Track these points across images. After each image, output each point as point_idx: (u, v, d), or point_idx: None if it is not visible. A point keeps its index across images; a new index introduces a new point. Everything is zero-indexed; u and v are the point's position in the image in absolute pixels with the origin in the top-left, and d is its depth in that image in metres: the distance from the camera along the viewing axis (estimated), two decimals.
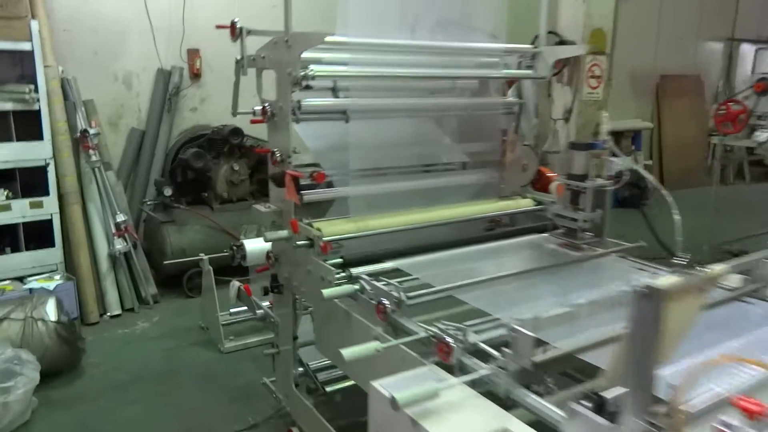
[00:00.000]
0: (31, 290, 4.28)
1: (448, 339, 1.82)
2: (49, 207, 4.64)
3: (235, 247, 4.34)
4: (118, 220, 4.95)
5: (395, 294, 2.16)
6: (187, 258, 5.29)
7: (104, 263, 4.91)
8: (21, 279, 4.52)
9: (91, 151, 4.82)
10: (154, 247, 5.33)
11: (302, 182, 2.73)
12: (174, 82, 5.80)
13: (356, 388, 2.47)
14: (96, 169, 4.87)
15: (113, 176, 5.11)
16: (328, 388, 3.10)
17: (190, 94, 6.04)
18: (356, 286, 2.37)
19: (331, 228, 2.78)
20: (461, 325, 1.88)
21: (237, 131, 5.51)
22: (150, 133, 5.67)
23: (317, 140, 2.98)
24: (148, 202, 5.38)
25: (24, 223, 4.60)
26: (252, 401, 3.66)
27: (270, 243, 2.90)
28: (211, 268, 4.39)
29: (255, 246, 4.47)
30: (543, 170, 3.18)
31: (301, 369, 3.06)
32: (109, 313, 4.91)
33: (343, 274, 2.49)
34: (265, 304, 3.35)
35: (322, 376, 3.16)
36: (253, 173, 5.82)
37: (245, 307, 3.88)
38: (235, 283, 3.73)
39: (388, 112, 3.14)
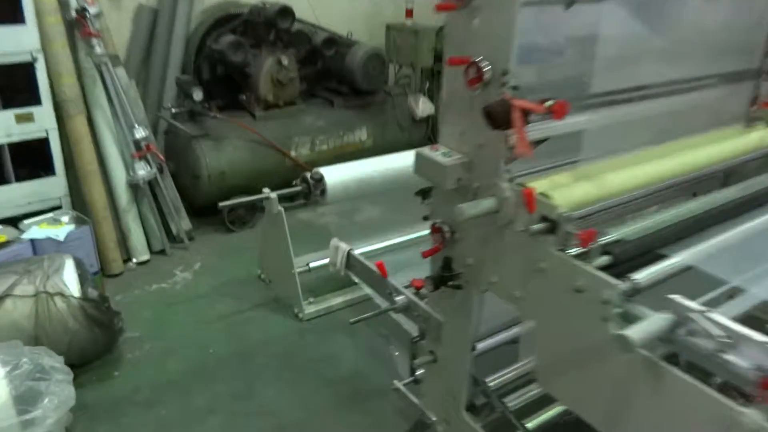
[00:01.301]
0: (33, 243, 3.07)
1: None
2: (42, 120, 3.31)
3: (311, 180, 3.19)
4: (137, 136, 3.65)
5: None
6: (228, 182, 4.08)
7: (123, 195, 3.68)
8: (14, 222, 3.29)
9: (93, 40, 3.41)
10: (182, 170, 4.08)
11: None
12: None
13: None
14: (103, 66, 3.49)
15: (125, 75, 3.74)
16: (530, 424, 2.09)
17: None
18: (672, 321, 1.31)
19: (565, 194, 1.65)
20: None
21: (287, 11, 4.08)
22: (165, 12, 4.18)
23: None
24: (172, 110, 4.03)
25: (11, 144, 3.29)
26: (370, 406, 2.67)
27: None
28: (282, 209, 3.21)
29: (337, 176, 3.30)
30: None
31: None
32: (135, 260, 3.76)
33: (623, 287, 1.41)
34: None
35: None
36: (302, 68, 4.46)
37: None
38: (341, 246, 2.58)
39: None
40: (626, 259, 1.62)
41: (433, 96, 5.25)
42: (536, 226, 1.57)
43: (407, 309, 2.26)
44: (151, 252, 3.86)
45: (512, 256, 1.74)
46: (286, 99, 4.37)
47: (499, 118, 1.57)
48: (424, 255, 1.96)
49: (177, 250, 3.95)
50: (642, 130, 2.06)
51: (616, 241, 1.69)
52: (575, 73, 1.84)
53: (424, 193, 2.31)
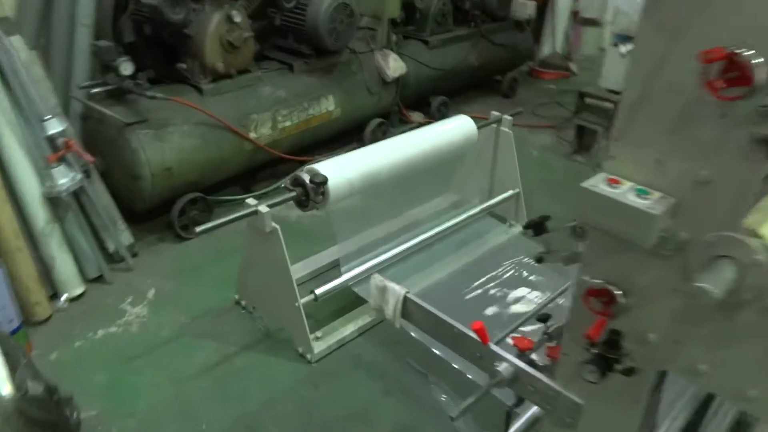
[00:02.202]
0: None
1: None
2: None
3: (310, 184, 2.45)
4: (51, 131, 2.67)
5: None
6: (177, 179, 3.19)
7: (40, 215, 2.70)
8: None
9: None
10: (114, 168, 3.12)
11: None
12: None
13: None
14: None
15: (23, 46, 2.69)
16: None
17: None
18: None
19: None
20: None
21: None
22: None
23: None
24: (92, 89, 3.02)
25: None
26: None
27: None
28: (277, 227, 2.42)
29: (338, 173, 2.55)
30: None
31: None
32: (65, 296, 2.84)
33: None
34: None
35: None
36: (252, 23, 3.53)
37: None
38: (392, 288, 1.89)
39: None
40: None
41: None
42: None
43: (514, 381, 1.64)
44: (86, 281, 2.95)
45: (749, 342, 1.16)
46: (239, 66, 3.45)
47: None
48: (591, 335, 1.32)
49: (119, 274, 3.05)
50: None
51: None
52: None
53: (537, 227, 1.67)
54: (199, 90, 3.32)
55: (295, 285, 2.46)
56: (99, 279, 2.99)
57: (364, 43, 4.22)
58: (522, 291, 2.86)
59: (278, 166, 3.94)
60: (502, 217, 3.51)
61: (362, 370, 2.54)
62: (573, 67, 6.52)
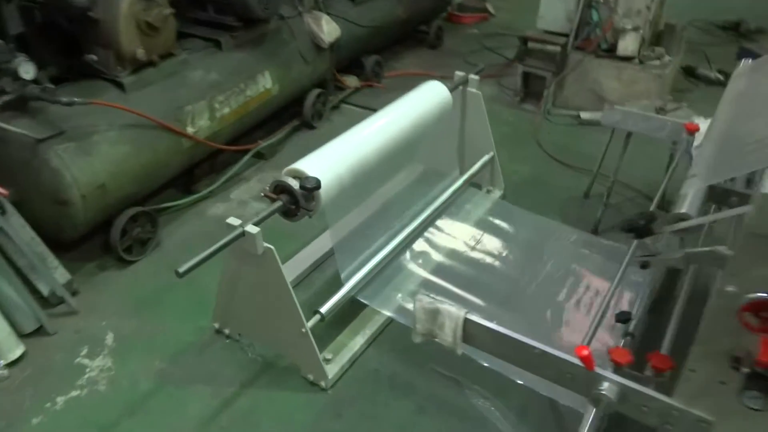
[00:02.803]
0: None
1: None
2: None
3: (300, 190, 2.09)
4: None
5: None
6: (112, 196, 2.68)
7: None
8: None
9: None
10: (31, 196, 2.53)
11: None
12: None
13: None
14: None
15: None
16: None
17: None
18: None
19: None
20: None
21: None
22: None
23: None
24: None
25: None
26: None
27: None
28: (271, 248, 2.03)
29: (326, 170, 2.19)
30: None
31: None
32: (1, 362, 2.30)
33: None
34: None
35: None
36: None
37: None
38: (448, 310, 1.62)
39: None
40: None
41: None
42: None
43: (621, 403, 1.44)
44: (24, 337, 2.41)
45: None
46: (162, 50, 2.90)
47: None
48: (764, 360, 1.13)
49: (63, 320, 2.54)
50: None
51: None
52: None
53: (641, 231, 1.43)
54: (120, 85, 2.75)
55: (300, 310, 2.11)
56: (39, 332, 2.46)
57: (290, 6, 3.73)
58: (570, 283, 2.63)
59: (217, 157, 3.45)
60: (477, 184, 3.30)
61: (385, 388, 2.27)
62: (489, 7, 6.32)
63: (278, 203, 2.09)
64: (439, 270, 2.69)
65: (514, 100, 4.43)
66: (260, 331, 2.36)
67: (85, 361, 2.37)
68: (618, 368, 1.48)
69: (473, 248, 2.83)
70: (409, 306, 2.44)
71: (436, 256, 2.76)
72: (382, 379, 2.30)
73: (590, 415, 1.43)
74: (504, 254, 2.80)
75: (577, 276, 2.63)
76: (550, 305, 2.49)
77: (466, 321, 1.62)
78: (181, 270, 1.81)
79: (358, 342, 2.39)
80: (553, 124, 4.20)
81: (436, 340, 1.68)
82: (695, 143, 2.53)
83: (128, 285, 2.75)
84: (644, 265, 1.42)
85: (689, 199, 1.39)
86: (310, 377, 2.26)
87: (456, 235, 2.90)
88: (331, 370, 2.25)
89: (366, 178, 2.39)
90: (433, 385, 2.27)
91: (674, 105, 3.23)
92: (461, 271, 2.71)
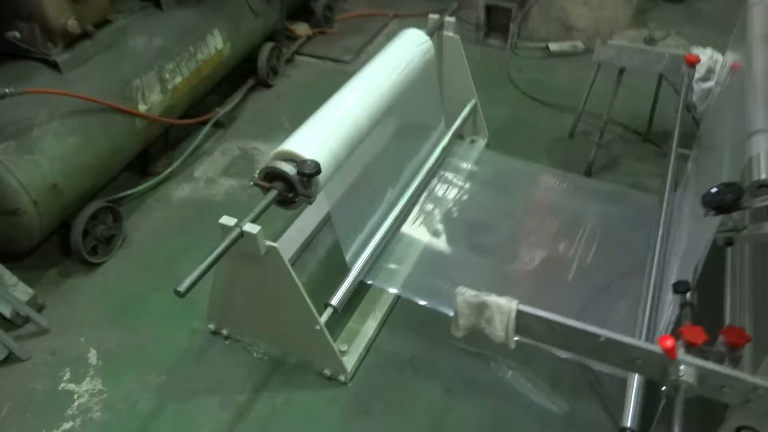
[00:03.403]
0: None
1: None
2: None
3: (297, 177, 1.87)
4: None
5: None
6: (67, 195, 2.35)
7: None
8: None
9: None
10: None
11: None
12: None
13: None
14: None
15: None
16: None
17: None
18: None
19: None
20: None
21: None
22: None
23: None
24: None
25: None
26: None
27: None
28: (276, 246, 1.80)
29: (320, 149, 1.94)
30: None
31: None
32: None
33: None
34: None
35: None
36: None
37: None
38: (497, 303, 1.48)
39: None
40: None
41: None
42: None
43: (701, 384, 1.35)
44: None
45: None
46: (96, 18, 2.49)
47: None
48: None
49: (34, 342, 2.25)
50: None
51: None
52: None
53: (728, 207, 1.28)
54: (53, 65, 2.35)
55: (312, 307, 1.91)
56: (9, 360, 2.17)
57: None
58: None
59: (169, 133, 3.11)
60: (459, 134, 3.11)
61: (408, 372, 2.14)
62: None
63: (273, 192, 1.85)
64: (437, 234, 2.53)
65: (478, 36, 4.19)
66: (265, 330, 2.16)
67: (71, 386, 2.11)
68: (690, 348, 1.38)
69: (469, 206, 2.68)
70: (416, 279, 2.30)
71: (432, 221, 2.59)
72: (402, 363, 2.17)
73: (677, 406, 1.33)
74: (505, 209, 2.67)
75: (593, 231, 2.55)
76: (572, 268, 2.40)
77: (519, 313, 1.47)
78: (182, 289, 1.56)
79: (370, 326, 2.23)
80: (522, 59, 4.01)
81: (486, 334, 1.53)
82: (696, 75, 2.41)
83: (100, 291, 2.46)
84: (729, 242, 1.30)
85: (763, 160, 1.25)
86: (327, 372, 2.09)
87: (449, 195, 2.73)
88: (349, 362, 2.09)
89: (359, 149, 2.16)
90: (456, 362, 2.15)
91: (662, 33, 3.10)
92: (462, 232, 2.57)
